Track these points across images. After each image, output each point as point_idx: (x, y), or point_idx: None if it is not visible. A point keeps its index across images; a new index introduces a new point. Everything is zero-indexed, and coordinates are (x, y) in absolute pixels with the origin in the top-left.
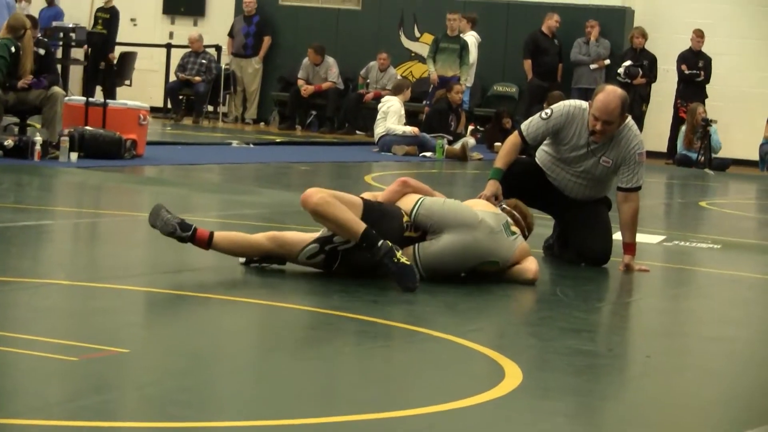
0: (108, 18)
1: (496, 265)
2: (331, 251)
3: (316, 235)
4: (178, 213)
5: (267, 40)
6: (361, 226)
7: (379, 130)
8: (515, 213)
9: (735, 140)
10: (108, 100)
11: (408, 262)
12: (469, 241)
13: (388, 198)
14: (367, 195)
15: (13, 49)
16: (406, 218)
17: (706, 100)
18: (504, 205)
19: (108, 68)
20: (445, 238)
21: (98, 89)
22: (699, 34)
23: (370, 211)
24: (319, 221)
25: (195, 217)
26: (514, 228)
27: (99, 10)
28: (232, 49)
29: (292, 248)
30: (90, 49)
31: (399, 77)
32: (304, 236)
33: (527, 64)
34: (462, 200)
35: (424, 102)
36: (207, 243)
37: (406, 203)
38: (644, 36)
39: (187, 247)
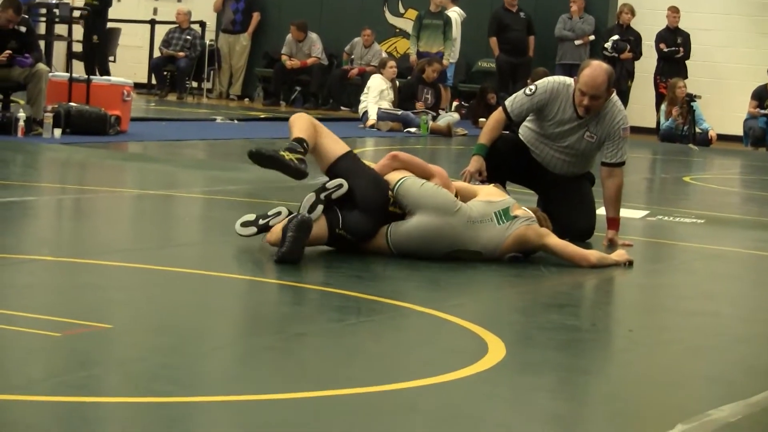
0: None
1: (479, 255)
2: (326, 199)
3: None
4: (163, 189)
5: (256, 17)
6: (301, 132)
7: (361, 106)
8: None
9: (717, 115)
10: (92, 77)
11: (296, 160)
12: (437, 224)
13: (378, 171)
14: None
15: None
16: (391, 193)
17: (688, 77)
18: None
19: (100, 43)
20: (415, 219)
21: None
22: (674, 11)
23: (348, 159)
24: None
25: (179, 193)
26: (517, 212)
27: None
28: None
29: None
30: (84, 23)
31: (384, 53)
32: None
33: (492, 41)
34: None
35: (408, 78)
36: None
37: (391, 179)
38: (632, 13)
39: (172, 223)
